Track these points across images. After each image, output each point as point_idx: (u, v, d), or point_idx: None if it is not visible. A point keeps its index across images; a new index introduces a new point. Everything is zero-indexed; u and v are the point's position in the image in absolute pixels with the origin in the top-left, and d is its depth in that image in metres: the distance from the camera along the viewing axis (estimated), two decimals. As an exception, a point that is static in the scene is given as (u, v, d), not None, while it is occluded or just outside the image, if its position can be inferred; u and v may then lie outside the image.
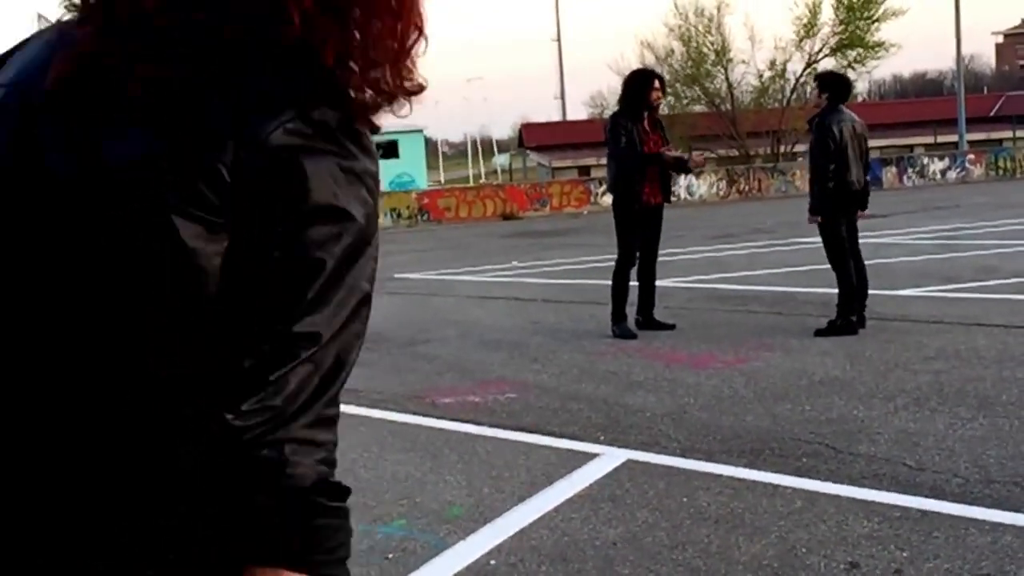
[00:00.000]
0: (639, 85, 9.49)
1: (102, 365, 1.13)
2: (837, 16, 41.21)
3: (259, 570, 1.13)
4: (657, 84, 9.48)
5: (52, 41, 1.22)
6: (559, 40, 60.90)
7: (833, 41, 41.49)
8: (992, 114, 56.81)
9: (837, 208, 8.99)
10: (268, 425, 1.12)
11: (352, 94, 1.19)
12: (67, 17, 1.23)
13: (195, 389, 1.14)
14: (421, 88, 1.26)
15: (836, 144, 8.85)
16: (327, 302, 1.15)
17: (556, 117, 60.28)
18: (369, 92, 1.20)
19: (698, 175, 32.91)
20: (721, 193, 35.59)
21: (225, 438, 1.12)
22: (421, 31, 1.23)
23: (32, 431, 1.15)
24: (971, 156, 39.24)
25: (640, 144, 9.27)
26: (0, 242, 1.16)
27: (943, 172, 38.01)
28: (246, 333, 1.14)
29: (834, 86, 9.28)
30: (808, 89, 36.71)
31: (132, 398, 1.13)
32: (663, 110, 10.05)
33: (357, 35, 1.19)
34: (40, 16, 1.32)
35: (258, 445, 1.12)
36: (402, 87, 1.24)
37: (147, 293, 1.11)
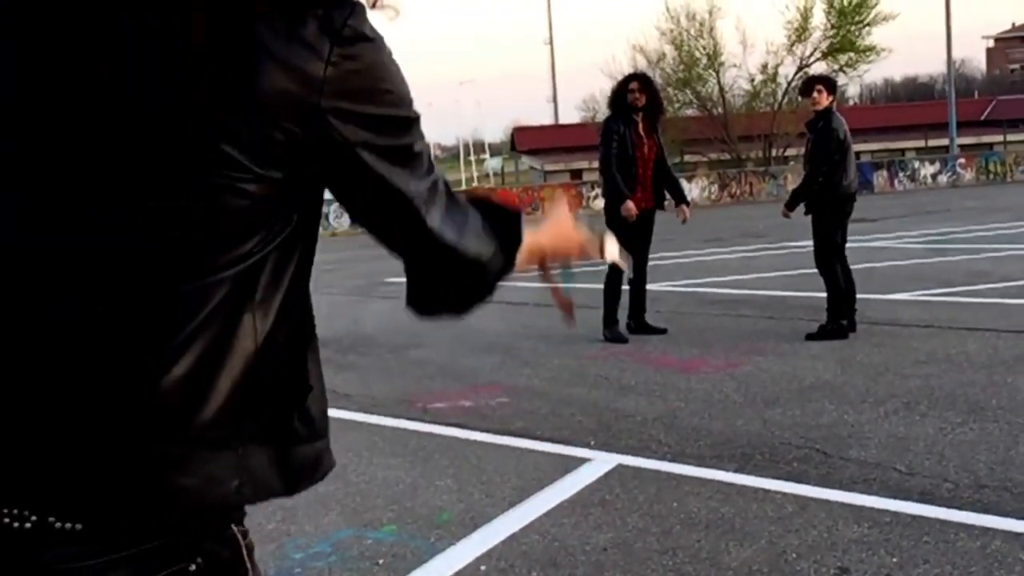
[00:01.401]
0: (618, 87, 9.61)
1: None
2: (828, 20, 41.34)
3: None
4: (633, 85, 9.48)
5: None
6: (551, 43, 60.95)
7: (824, 45, 41.61)
8: (983, 118, 56.95)
9: (835, 212, 9.01)
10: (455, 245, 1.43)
11: None
12: None
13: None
14: None
15: (840, 146, 8.88)
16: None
17: (548, 120, 60.28)
18: None
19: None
20: (713, 197, 35.65)
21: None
22: None
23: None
24: (962, 160, 39.34)
25: (632, 148, 9.29)
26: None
27: (934, 176, 38.10)
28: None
29: (835, 89, 9.32)
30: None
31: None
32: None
33: None
34: None
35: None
36: None
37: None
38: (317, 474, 1.42)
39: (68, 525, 1.20)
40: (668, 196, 9.68)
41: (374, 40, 1.30)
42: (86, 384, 1.20)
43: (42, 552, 1.21)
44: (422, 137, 1.39)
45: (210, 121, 1.21)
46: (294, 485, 1.37)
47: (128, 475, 1.20)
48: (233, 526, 1.35)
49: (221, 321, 1.24)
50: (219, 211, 1.23)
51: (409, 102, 1.36)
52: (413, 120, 1.37)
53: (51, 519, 1.20)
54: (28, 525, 1.20)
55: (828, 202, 8.95)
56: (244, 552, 1.36)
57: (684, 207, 9.74)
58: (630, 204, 9.27)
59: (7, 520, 1.21)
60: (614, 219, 9.42)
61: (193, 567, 1.28)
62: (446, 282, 1.48)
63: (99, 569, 1.21)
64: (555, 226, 1.73)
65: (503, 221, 1.52)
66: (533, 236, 1.60)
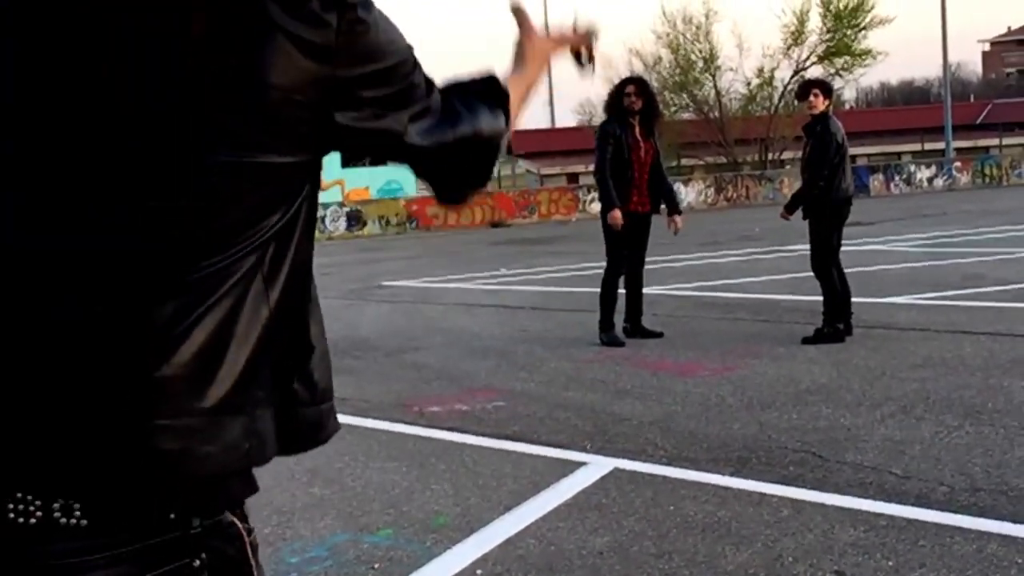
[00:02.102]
0: (615, 91, 9.60)
1: None
2: (825, 24, 41.38)
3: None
4: (630, 88, 9.49)
5: None
6: (548, 47, 60.81)
7: (821, 49, 41.66)
8: (979, 122, 57.07)
9: (832, 216, 9.02)
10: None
11: None
12: None
13: None
14: None
15: (838, 150, 8.89)
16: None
17: (544, 124, 60.24)
18: None
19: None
20: (709, 200, 35.70)
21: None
22: None
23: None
24: (958, 164, 39.43)
25: (628, 152, 9.29)
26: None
27: (930, 180, 38.18)
28: None
29: (831, 93, 9.34)
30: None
31: None
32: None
33: None
34: None
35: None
36: None
37: None
38: (320, 436, 1.44)
39: (73, 521, 1.21)
40: (662, 203, 9.68)
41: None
42: (88, 379, 1.20)
43: (47, 547, 1.21)
44: (417, 63, 1.46)
45: (211, 121, 1.22)
46: (294, 447, 1.39)
47: (137, 451, 1.21)
48: (238, 522, 1.35)
49: (234, 296, 1.26)
50: (220, 211, 1.23)
51: (406, 44, 1.43)
52: (412, 59, 1.44)
53: (56, 515, 1.21)
54: (33, 521, 1.21)
55: (826, 206, 8.96)
56: (249, 550, 1.37)
57: (676, 217, 9.69)
58: (616, 213, 9.29)
59: (12, 516, 1.21)
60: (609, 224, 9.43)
61: (197, 563, 1.28)
62: (464, 168, 1.58)
63: (103, 564, 1.22)
64: (528, 55, 1.78)
65: (484, 88, 1.60)
66: (517, 80, 1.72)
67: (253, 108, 1.24)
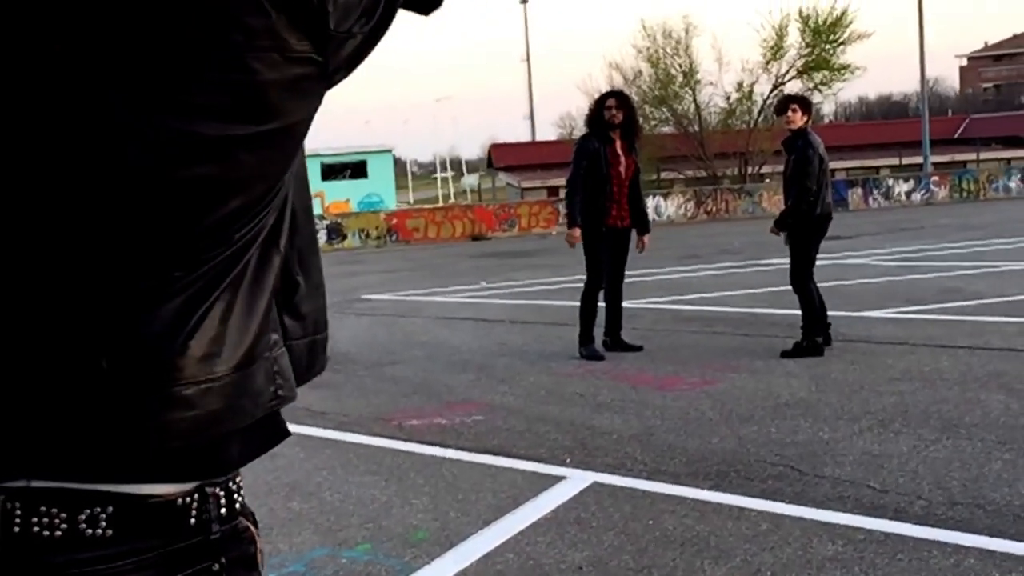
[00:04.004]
0: (596, 105, 9.65)
1: None
2: (803, 39, 41.62)
3: None
4: (611, 102, 9.53)
5: None
6: (528, 60, 61.14)
7: (800, 63, 41.89)
8: (956, 136, 57.47)
9: (812, 232, 9.06)
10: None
11: None
12: None
13: None
14: None
15: (821, 164, 8.94)
16: None
17: (525, 137, 60.44)
18: None
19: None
20: (689, 214, 35.78)
21: None
22: None
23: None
24: (935, 178, 39.66)
25: (606, 166, 9.31)
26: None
27: (908, 194, 38.38)
28: None
29: (810, 109, 9.39)
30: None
31: None
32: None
33: None
34: None
35: None
36: None
37: None
38: (316, 369, 1.43)
39: (99, 531, 1.21)
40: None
41: None
42: (98, 370, 1.18)
43: (72, 556, 1.21)
44: None
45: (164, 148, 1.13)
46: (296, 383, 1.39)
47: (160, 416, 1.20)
48: (252, 528, 1.37)
49: (246, 269, 1.24)
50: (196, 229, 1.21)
51: None
52: None
53: (83, 526, 1.20)
54: (59, 533, 1.20)
55: (807, 221, 9.00)
56: (260, 557, 1.39)
57: (645, 238, 9.73)
58: (575, 232, 9.46)
59: (37, 529, 1.21)
60: (589, 234, 9.45)
61: (217, 566, 1.29)
62: None
63: (129, 570, 1.22)
64: None
65: None
66: None
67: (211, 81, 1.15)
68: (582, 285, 9.61)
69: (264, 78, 1.12)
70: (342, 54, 1.21)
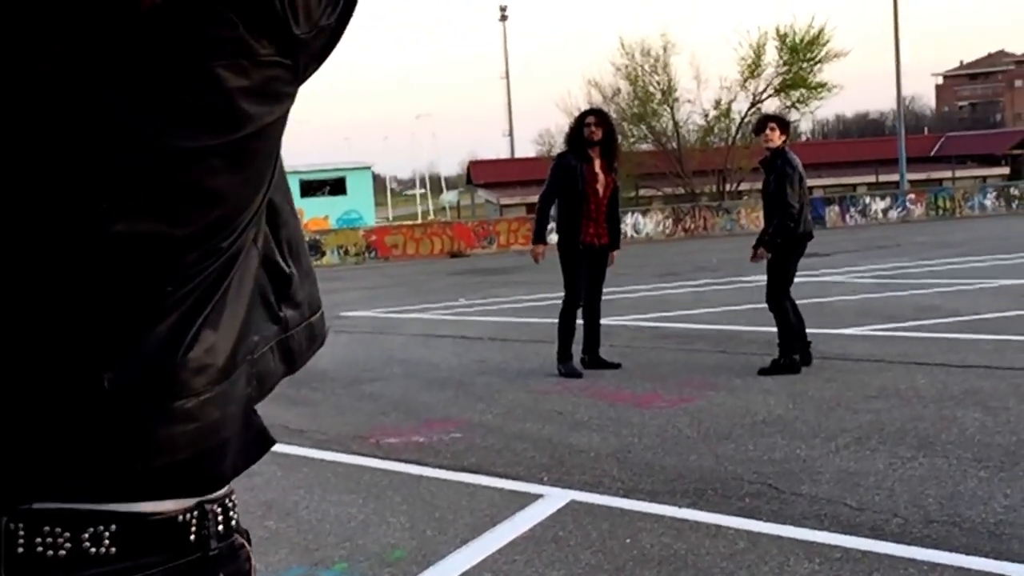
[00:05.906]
0: (575, 122, 9.74)
1: None
2: (781, 57, 41.82)
3: None
4: (590, 119, 9.58)
5: None
6: (507, 78, 61.34)
7: (777, 81, 42.07)
8: (932, 154, 57.91)
9: (792, 249, 9.10)
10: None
11: None
12: None
13: None
14: None
15: (801, 183, 8.99)
16: None
17: (505, 154, 60.56)
18: None
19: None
20: (667, 231, 35.87)
21: None
22: None
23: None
24: (912, 196, 39.90)
25: (583, 184, 9.34)
26: None
27: (885, 211, 38.60)
28: None
29: (788, 128, 9.44)
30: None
31: None
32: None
33: None
34: None
35: None
36: None
37: None
38: (316, 346, 1.48)
39: (103, 550, 1.21)
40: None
41: None
42: (98, 395, 1.18)
43: (75, 574, 1.21)
44: None
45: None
46: (296, 365, 1.43)
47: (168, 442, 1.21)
48: (247, 545, 1.39)
49: (235, 278, 1.24)
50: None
51: None
52: None
53: (86, 544, 1.20)
54: (63, 552, 1.20)
55: (787, 240, 9.04)
56: (253, 573, 1.41)
57: (613, 253, 9.81)
58: (539, 249, 9.75)
59: (40, 549, 1.20)
60: (567, 252, 9.48)
61: None
62: None
63: None
64: None
65: None
66: None
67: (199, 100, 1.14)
68: (560, 302, 9.62)
69: (232, 85, 1.11)
70: (311, 51, 1.21)
